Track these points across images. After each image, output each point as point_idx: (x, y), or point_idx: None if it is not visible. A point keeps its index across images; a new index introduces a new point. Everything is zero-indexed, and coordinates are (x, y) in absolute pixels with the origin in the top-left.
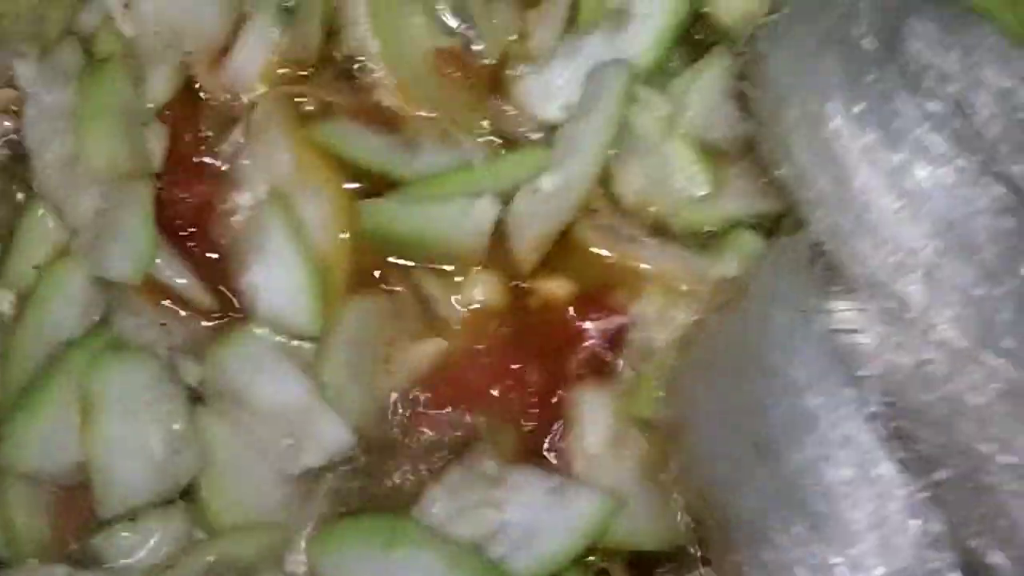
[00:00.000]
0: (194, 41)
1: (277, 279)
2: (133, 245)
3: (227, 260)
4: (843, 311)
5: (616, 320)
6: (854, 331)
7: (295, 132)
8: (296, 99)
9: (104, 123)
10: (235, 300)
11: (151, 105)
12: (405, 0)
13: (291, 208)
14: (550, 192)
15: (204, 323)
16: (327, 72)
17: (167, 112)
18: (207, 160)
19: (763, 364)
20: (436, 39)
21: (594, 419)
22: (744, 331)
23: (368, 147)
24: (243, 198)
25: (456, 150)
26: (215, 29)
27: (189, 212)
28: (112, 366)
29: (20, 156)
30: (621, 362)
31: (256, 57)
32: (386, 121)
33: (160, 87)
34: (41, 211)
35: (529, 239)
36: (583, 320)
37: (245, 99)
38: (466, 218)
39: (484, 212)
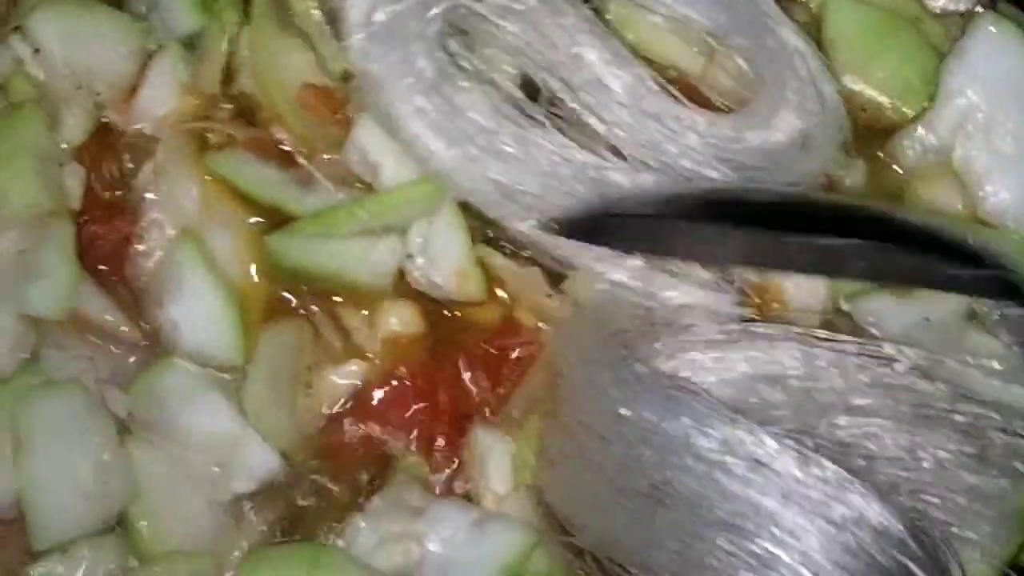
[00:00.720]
0: (104, 81)
1: (195, 313)
2: (55, 282)
3: (145, 297)
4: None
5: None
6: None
7: (200, 167)
8: (203, 134)
9: (20, 165)
10: (157, 335)
11: (66, 145)
12: (279, 35)
13: (202, 242)
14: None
15: (131, 355)
16: (229, 107)
17: (83, 151)
18: (123, 196)
19: (616, 420)
20: (307, 75)
21: (497, 462)
22: (584, 396)
23: (262, 180)
24: (155, 234)
25: (349, 187)
26: (123, 68)
27: (108, 247)
28: (40, 401)
29: None
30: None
31: (162, 94)
32: (283, 156)
33: (74, 128)
34: None
35: (445, 271)
36: (501, 346)
37: (154, 135)
38: (369, 258)
39: (387, 252)
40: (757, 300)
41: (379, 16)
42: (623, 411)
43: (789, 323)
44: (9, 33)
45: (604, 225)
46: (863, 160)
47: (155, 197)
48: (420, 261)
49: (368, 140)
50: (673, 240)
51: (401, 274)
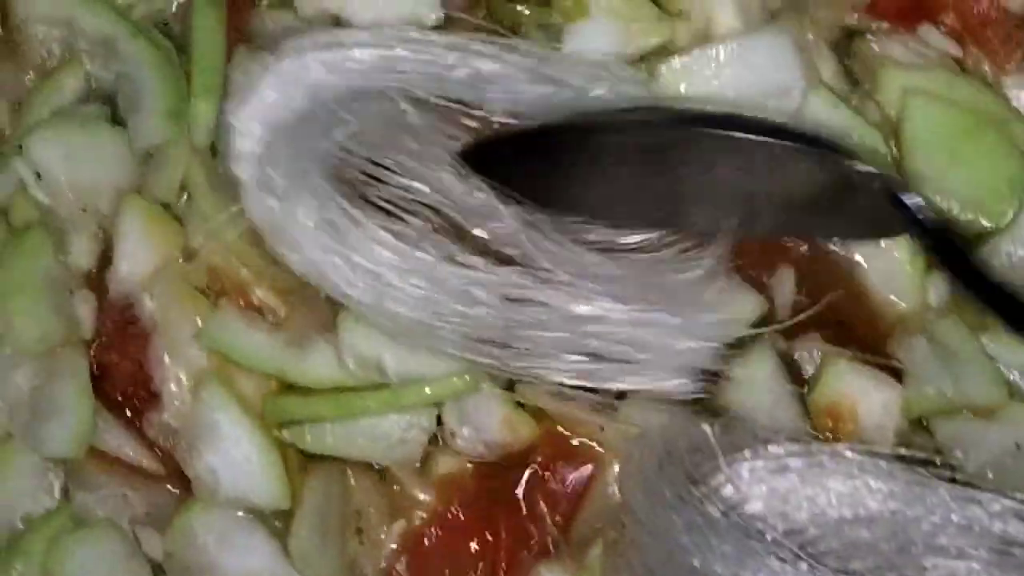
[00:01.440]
0: (109, 202)
1: (234, 460)
2: (71, 420)
3: (176, 442)
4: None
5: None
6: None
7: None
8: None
9: (31, 294)
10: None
11: (76, 270)
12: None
13: (230, 384)
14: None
15: (164, 491)
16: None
17: (91, 276)
18: (136, 320)
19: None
20: None
21: None
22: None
23: (255, 349)
24: (172, 381)
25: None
26: (127, 185)
27: (124, 375)
28: (72, 546)
29: None
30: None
31: (138, 255)
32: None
33: (82, 252)
34: None
35: (492, 429)
36: (558, 474)
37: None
38: (392, 438)
39: (414, 431)
40: (829, 422)
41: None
42: (695, 563)
43: (867, 446)
44: (12, 153)
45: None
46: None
47: (163, 346)
48: (465, 431)
49: (355, 339)
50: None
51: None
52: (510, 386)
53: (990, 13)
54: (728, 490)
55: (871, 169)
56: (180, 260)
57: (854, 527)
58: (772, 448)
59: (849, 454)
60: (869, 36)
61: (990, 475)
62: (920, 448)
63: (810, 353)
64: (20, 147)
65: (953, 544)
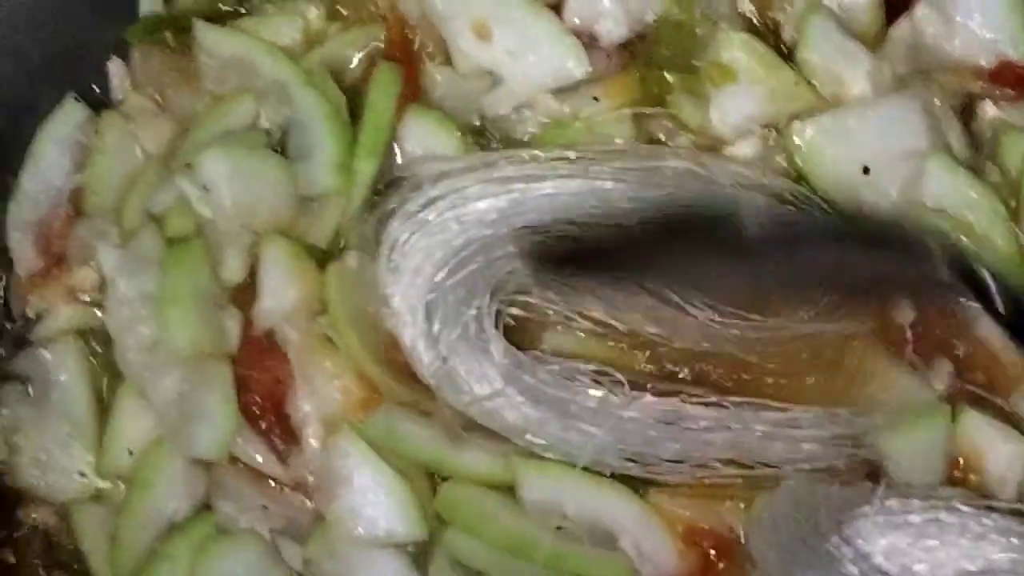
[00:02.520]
0: (265, 222)
1: (372, 501)
2: (215, 425)
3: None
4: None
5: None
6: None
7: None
8: None
9: (186, 303)
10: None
11: (227, 285)
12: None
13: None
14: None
15: (303, 505)
16: None
17: (238, 293)
18: (278, 347)
19: None
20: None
21: None
22: None
23: (415, 441)
24: (313, 418)
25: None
26: (284, 213)
27: (264, 394)
28: (215, 554)
29: (106, 339)
30: None
31: (281, 287)
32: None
33: (234, 268)
34: (130, 395)
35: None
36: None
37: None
38: None
39: None
40: (957, 473)
41: None
42: None
43: (984, 500)
44: (179, 169)
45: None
46: None
47: (300, 387)
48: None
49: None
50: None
51: None
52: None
53: None
54: (856, 544)
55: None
56: (317, 312)
57: None
58: (891, 502)
59: (966, 508)
60: (990, 102)
61: None
62: None
63: None
64: (188, 165)
65: None
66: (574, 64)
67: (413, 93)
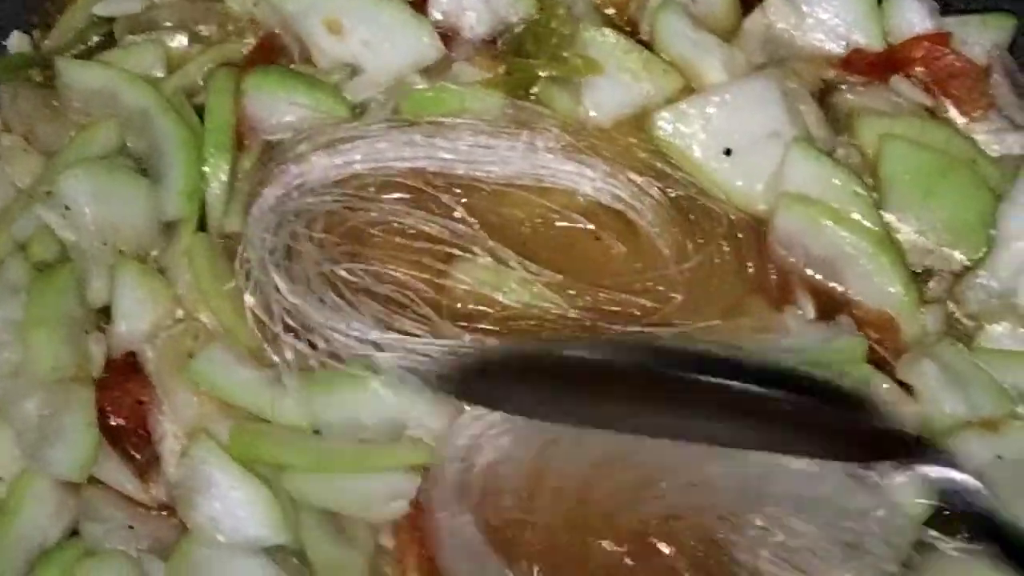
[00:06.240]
0: (126, 240)
1: (232, 507)
2: (76, 447)
3: (176, 500)
4: None
5: None
6: None
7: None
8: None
9: (52, 328)
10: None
11: (93, 307)
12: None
13: (219, 438)
14: None
15: (168, 523)
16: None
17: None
18: (138, 369)
19: None
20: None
21: None
22: None
23: (237, 383)
24: (172, 432)
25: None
26: (144, 231)
27: (126, 416)
28: (86, 574)
29: None
30: None
31: (135, 312)
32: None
33: (100, 290)
34: None
35: None
36: None
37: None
38: (379, 495)
39: (396, 500)
40: None
41: None
42: None
43: None
44: (39, 198)
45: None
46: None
47: (160, 405)
48: None
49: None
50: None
51: None
52: None
53: (955, 65)
54: None
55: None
56: (173, 325)
57: None
58: None
59: None
60: (845, 88)
61: None
62: None
63: None
64: (48, 192)
65: None
66: (427, 45)
67: None
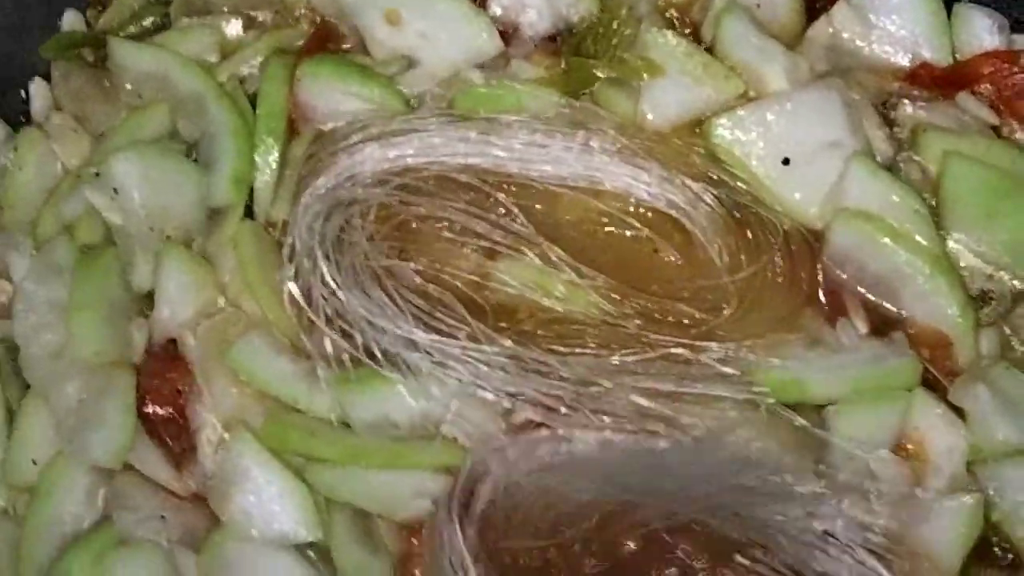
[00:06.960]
0: (177, 227)
1: (266, 502)
2: (115, 433)
3: (210, 494)
4: None
5: None
6: None
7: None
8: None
9: (95, 312)
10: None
11: (138, 292)
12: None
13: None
14: None
15: (200, 514)
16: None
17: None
18: (180, 357)
19: None
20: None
21: None
22: None
23: (274, 373)
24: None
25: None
26: (192, 216)
27: (162, 400)
28: (117, 562)
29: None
30: None
31: (179, 299)
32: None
33: (145, 275)
34: (35, 404)
35: None
36: None
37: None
38: (404, 493)
39: (420, 499)
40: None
41: None
42: None
43: None
44: (87, 179)
45: None
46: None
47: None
48: None
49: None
50: None
51: None
52: None
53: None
54: None
55: None
56: (216, 313)
57: None
58: None
59: None
60: (909, 102)
61: None
62: None
63: None
64: (97, 174)
65: None
66: (486, 40)
67: None
